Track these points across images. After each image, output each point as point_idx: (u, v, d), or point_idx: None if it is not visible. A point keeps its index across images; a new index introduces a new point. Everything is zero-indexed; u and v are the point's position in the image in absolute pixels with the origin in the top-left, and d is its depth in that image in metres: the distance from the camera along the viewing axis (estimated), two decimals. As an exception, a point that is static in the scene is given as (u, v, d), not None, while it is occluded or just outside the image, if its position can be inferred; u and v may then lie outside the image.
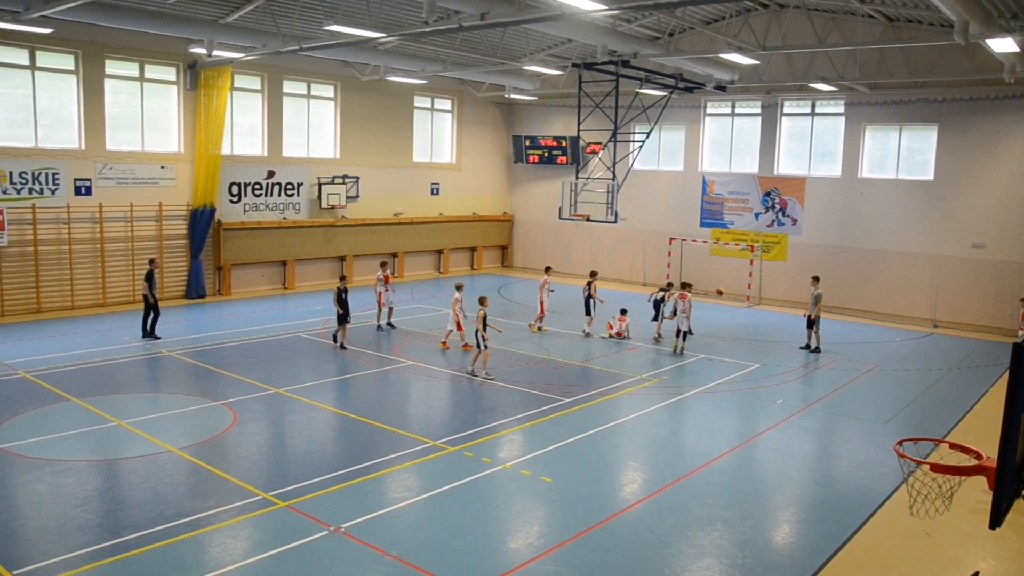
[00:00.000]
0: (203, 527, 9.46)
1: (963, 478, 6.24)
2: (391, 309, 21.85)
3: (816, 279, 20.98)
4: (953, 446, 6.78)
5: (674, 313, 20.05)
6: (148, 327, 19.60)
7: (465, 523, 9.84)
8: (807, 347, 20.49)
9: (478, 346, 16.86)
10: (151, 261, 20.47)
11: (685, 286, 20.37)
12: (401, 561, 8.78)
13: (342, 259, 29.65)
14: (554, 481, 11.30)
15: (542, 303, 21.72)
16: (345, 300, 19.05)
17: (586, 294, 21.54)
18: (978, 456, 6.20)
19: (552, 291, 22.23)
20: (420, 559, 8.85)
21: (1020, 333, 20.58)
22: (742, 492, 11.22)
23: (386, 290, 21.41)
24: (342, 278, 19.72)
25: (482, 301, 17.08)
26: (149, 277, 19.72)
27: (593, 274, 22.02)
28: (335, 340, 19.28)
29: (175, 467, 11.40)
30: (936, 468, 6.23)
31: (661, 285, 22.59)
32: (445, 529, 9.65)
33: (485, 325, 16.72)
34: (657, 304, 21.26)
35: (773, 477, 11.95)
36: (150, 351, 18.22)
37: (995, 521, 5.64)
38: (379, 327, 21.51)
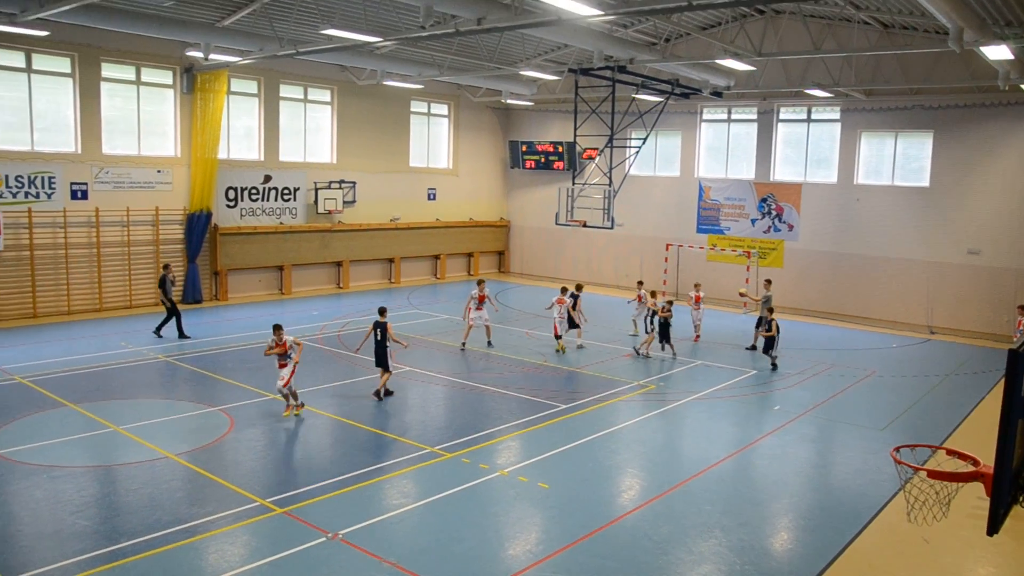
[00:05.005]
0: (200, 534, 9.44)
1: (960, 484, 6.24)
2: (488, 327, 20.39)
3: (768, 282, 21.96)
4: (950, 452, 6.78)
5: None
6: (160, 329, 20.36)
7: (463, 529, 9.83)
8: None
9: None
10: (165, 266, 20.94)
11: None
12: (399, 568, 8.77)
13: (339, 264, 29.63)
14: (551, 487, 11.30)
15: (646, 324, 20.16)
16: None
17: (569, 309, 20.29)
18: (975, 462, 6.19)
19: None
20: (418, 565, 8.84)
21: (1015, 340, 20.60)
22: (740, 498, 11.23)
23: (479, 309, 20.08)
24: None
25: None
26: (162, 283, 20.28)
27: (564, 290, 20.61)
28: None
29: (172, 473, 11.38)
30: (933, 475, 6.22)
31: (663, 295, 21.10)
32: (443, 535, 9.64)
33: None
34: (664, 324, 19.70)
35: (771, 484, 11.95)
36: (146, 357, 18.17)
37: (993, 528, 5.64)
38: (463, 347, 20.07)
